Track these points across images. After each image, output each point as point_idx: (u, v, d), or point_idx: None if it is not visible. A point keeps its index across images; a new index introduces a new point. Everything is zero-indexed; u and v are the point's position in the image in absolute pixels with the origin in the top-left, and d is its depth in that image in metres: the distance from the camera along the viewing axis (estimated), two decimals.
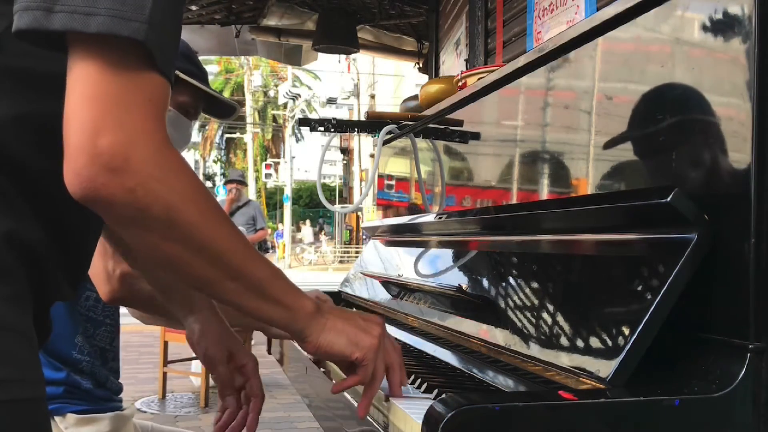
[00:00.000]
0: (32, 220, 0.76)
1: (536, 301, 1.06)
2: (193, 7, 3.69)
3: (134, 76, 0.70)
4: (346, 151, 33.77)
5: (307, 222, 33.21)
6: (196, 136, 37.26)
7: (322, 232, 33.16)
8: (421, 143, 1.97)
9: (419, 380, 1.11)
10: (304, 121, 2.02)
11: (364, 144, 27.65)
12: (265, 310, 0.82)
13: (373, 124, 2.01)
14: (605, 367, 0.83)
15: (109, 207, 0.70)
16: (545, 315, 1.02)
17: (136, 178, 0.69)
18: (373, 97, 28.55)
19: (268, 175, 29.49)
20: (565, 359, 0.92)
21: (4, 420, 0.72)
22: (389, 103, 23.82)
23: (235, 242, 0.78)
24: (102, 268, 1.33)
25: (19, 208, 0.76)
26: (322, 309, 0.86)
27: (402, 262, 1.79)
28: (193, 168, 0.78)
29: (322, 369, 1.34)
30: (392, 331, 1.47)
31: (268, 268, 0.82)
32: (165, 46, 0.71)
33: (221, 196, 7.86)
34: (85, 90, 0.69)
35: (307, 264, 25.87)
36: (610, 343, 0.86)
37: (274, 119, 35.31)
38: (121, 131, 0.69)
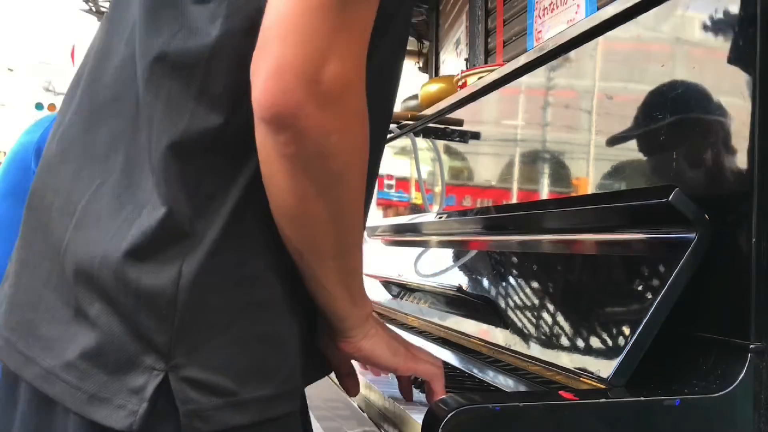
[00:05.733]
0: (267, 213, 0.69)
1: (536, 301, 1.06)
2: None
3: None
4: None
5: None
6: None
7: None
8: (421, 143, 1.97)
9: (419, 380, 1.11)
10: None
11: None
12: (337, 298, 0.77)
13: None
14: (605, 367, 0.83)
15: (293, 139, 0.62)
16: (545, 315, 1.02)
17: (340, 122, 0.62)
18: None
19: None
20: (565, 359, 0.92)
21: None
22: None
23: (360, 224, 0.74)
24: None
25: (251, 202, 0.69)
26: (372, 316, 0.84)
27: (402, 262, 1.79)
28: None
29: None
30: None
31: (361, 262, 0.78)
32: None
33: None
34: None
35: None
36: (610, 343, 0.86)
37: None
38: (344, 64, 0.60)
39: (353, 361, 0.90)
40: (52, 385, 0.69)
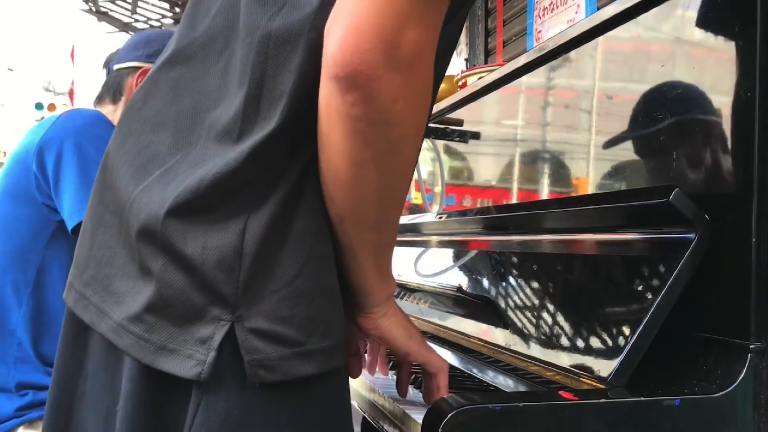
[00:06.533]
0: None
1: (536, 301, 1.06)
2: None
3: None
4: None
5: None
6: None
7: None
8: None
9: (419, 380, 1.11)
10: None
11: None
12: (367, 270, 0.77)
13: None
14: (605, 367, 0.83)
15: (361, 100, 0.62)
16: (545, 315, 1.02)
17: (409, 90, 0.63)
18: None
19: None
20: (565, 359, 0.92)
21: (342, 385, 0.75)
22: None
23: (401, 204, 0.75)
24: None
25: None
26: (393, 298, 0.85)
27: (402, 262, 1.79)
28: None
29: None
30: None
31: (394, 241, 0.78)
32: None
33: None
34: None
35: None
36: (610, 343, 0.86)
37: None
38: (422, 33, 0.61)
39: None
40: (122, 337, 0.70)
